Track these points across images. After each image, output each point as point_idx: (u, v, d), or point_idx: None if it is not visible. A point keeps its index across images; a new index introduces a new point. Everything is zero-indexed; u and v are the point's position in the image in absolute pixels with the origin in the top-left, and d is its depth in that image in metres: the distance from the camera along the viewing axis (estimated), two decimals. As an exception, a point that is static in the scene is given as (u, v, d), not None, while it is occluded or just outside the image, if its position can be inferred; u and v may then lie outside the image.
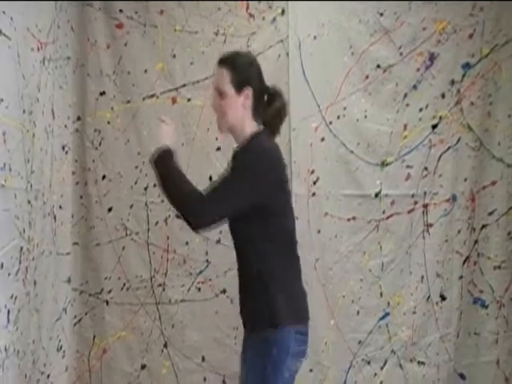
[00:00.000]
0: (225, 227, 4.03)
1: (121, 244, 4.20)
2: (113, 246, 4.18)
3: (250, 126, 2.82)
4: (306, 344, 2.82)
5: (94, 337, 4.20)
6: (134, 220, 4.20)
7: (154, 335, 4.20)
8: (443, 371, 4.19)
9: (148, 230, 4.20)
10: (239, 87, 2.80)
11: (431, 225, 4.19)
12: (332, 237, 4.16)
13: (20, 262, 3.02)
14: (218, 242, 4.09)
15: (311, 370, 4.09)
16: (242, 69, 2.83)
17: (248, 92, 2.80)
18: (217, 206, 2.66)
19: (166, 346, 4.20)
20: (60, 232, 3.81)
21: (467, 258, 4.20)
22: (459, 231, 4.19)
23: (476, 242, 4.18)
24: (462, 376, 4.18)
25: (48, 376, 3.62)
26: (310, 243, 4.09)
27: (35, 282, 3.30)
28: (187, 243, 4.16)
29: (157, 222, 4.19)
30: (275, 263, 2.73)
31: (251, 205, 2.66)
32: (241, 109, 2.81)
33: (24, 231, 3.07)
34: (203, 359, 4.18)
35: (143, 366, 4.19)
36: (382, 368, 4.19)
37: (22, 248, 3.04)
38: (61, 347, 3.87)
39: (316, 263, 4.13)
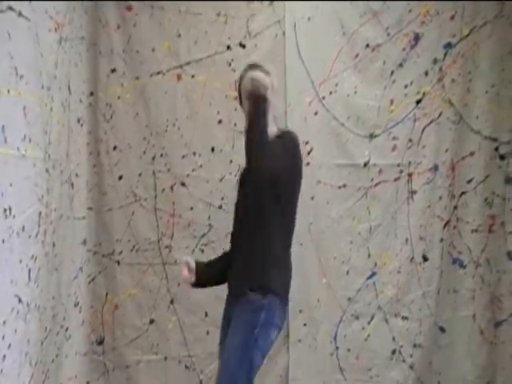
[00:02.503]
0: (227, 194, 4.07)
1: (130, 209, 4.20)
2: (123, 211, 4.19)
3: None
4: (285, 316, 2.89)
5: (107, 294, 4.23)
6: (142, 187, 4.20)
7: (161, 293, 4.23)
8: (425, 325, 4.22)
9: (155, 196, 4.21)
10: None
11: (415, 192, 4.20)
12: (324, 203, 4.18)
13: (39, 225, 3.05)
14: (220, 207, 4.13)
15: (305, 325, 4.15)
16: None
17: None
18: None
19: (172, 302, 4.22)
20: (76, 198, 3.83)
21: (447, 222, 4.21)
22: (440, 198, 4.20)
23: (455, 207, 4.19)
24: (441, 329, 4.21)
25: (66, 329, 3.69)
26: (304, 209, 4.01)
27: (54, 244, 3.33)
28: (191, 208, 4.18)
29: (163, 189, 4.20)
30: (277, 241, 2.81)
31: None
32: None
33: (42, 197, 3.10)
34: (206, 314, 4.21)
35: (151, 321, 4.23)
36: (369, 322, 4.22)
37: (40, 212, 3.07)
38: (77, 303, 3.93)
39: (310, 227, 4.15)
